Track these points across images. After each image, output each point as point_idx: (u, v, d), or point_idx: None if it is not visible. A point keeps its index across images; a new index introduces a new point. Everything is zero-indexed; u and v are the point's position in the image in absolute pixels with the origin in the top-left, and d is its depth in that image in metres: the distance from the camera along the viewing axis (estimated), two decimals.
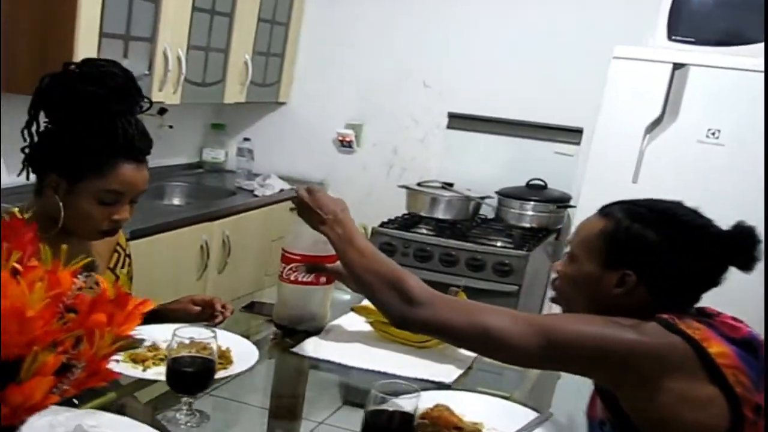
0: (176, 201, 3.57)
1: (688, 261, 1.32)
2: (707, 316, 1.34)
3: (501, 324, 1.31)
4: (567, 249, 1.45)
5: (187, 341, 1.38)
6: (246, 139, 4.05)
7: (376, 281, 1.47)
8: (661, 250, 1.31)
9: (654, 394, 1.22)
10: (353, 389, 1.83)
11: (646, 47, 2.90)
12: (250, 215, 3.33)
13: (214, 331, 1.43)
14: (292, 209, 1.79)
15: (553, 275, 1.48)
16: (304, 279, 1.90)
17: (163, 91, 3.07)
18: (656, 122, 2.78)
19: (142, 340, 1.33)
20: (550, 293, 1.50)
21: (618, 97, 2.87)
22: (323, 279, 1.91)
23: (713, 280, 1.34)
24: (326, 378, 1.87)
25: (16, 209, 1.46)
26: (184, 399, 1.43)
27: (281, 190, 3.61)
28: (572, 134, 3.49)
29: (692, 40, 2.81)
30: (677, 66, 2.76)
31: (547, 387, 1.87)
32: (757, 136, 2.63)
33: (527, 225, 3.36)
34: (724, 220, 2.75)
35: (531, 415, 1.57)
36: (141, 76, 2.86)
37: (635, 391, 1.25)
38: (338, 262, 1.89)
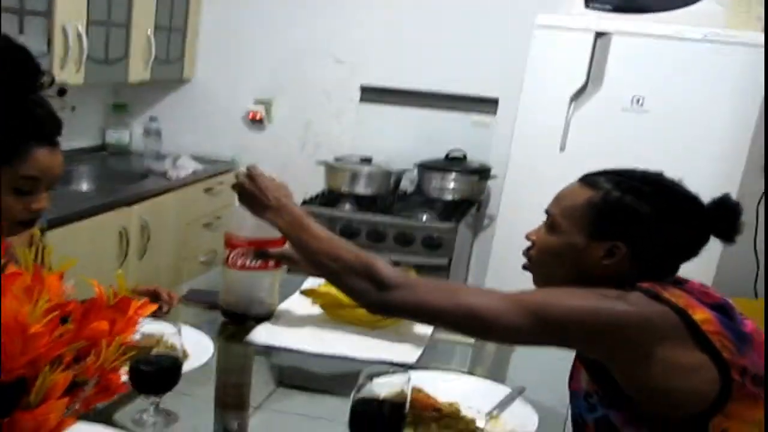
0: (84, 186, 3.39)
1: (677, 232, 1.33)
2: (678, 284, 1.35)
3: (487, 303, 1.29)
4: (546, 218, 1.43)
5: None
6: (152, 119, 3.88)
7: (341, 268, 1.42)
8: (653, 221, 1.31)
9: (646, 363, 1.23)
10: (287, 370, 1.80)
11: (569, 15, 2.92)
12: (165, 198, 3.20)
13: (177, 326, 1.35)
14: (233, 186, 1.68)
15: (528, 244, 1.46)
16: (251, 264, 1.83)
17: (65, 70, 2.88)
18: (581, 91, 2.81)
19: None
20: (523, 261, 1.48)
21: (542, 66, 2.89)
22: (271, 263, 1.84)
23: (695, 250, 1.35)
24: (276, 363, 1.81)
25: None
26: (151, 399, 1.34)
27: (194, 172, 3.48)
28: (488, 104, 3.50)
29: (608, 7, 2.85)
30: (599, 34, 2.80)
31: (504, 360, 1.87)
32: (680, 103, 2.71)
33: (449, 197, 3.35)
34: None
35: (502, 389, 1.56)
36: (40, 54, 2.68)
37: (628, 362, 1.25)
38: (286, 246, 1.82)
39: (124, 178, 3.36)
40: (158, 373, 1.31)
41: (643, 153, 2.71)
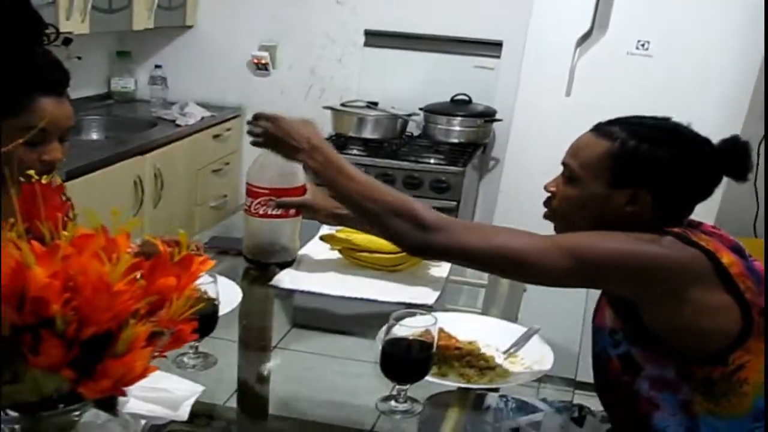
0: (94, 135, 3.44)
1: (693, 175, 1.38)
2: (695, 227, 1.42)
3: (527, 245, 1.33)
4: (563, 170, 1.48)
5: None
6: (157, 66, 3.90)
7: (381, 210, 1.41)
8: (671, 166, 1.36)
9: (678, 304, 1.30)
10: (306, 312, 1.90)
11: None
12: (176, 146, 3.25)
13: (213, 275, 1.42)
14: (250, 132, 1.64)
15: (547, 195, 1.51)
16: (273, 213, 1.89)
17: (71, 20, 2.90)
18: (586, 36, 2.84)
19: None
20: (545, 212, 1.52)
21: (547, 10, 2.91)
22: (292, 212, 1.91)
23: (710, 191, 1.41)
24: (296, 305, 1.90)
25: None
26: (190, 343, 1.42)
27: (202, 118, 3.52)
28: (492, 47, 3.52)
29: None
30: None
31: (516, 301, 1.95)
32: (685, 47, 2.73)
33: (455, 140, 3.40)
34: None
35: (517, 329, 1.65)
36: (45, 4, 2.70)
37: (660, 303, 1.32)
38: (307, 195, 1.89)
39: (133, 127, 3.41)
40: (198, 319, 1.39)
41: (647, 97, 2.76)
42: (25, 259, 0.73)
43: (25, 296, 0.73)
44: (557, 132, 2.95)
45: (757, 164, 3.02)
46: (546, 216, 1.52)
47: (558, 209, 1.48)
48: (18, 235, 0.77)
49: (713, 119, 2.52)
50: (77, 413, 0.82)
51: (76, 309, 0.74)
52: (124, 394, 0.75)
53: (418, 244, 1.40)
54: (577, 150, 1.45)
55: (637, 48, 2.79)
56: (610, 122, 1.43)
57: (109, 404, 0.79)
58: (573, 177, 1.43)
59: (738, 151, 1.39)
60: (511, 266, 1.36)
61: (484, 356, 1.52)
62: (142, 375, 0.75)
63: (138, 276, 0.82)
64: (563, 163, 1.47)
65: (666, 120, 1.44)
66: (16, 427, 0.80)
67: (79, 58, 3.22)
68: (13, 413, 0.78)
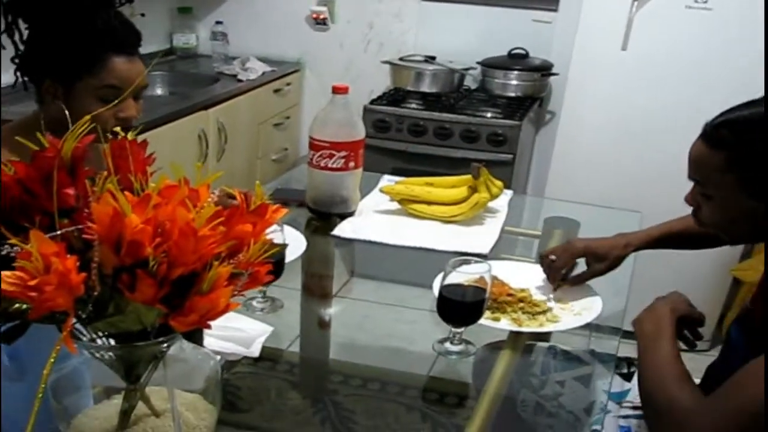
0: (159, 91, 3.55)
1: None
2: None
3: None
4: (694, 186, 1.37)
5: None
6: (218, 22, 3.98)
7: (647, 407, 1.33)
8: None
9: None
10: (364, 261, 1.99)
11: None
12: (238, 101, 3.34)
13: (280, 224, 1.51)
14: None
15: (692, 207, 1.40)
16: (333, 165, 1.98)
17: None
18: None
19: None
20: (695, 221, 1.41)
21: None
22: (352, 164, 1.99)
23: None
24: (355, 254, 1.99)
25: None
26: (259, 288, 1.52)
27: (263, 73, 3.60)
28: (549, 1, 3.51)
29: None
30: None
31: None
32: (744, 2, 2.69)
33: (512, 94, 3.42)
34: (714, 85, 2.87)
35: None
36: None
37: None
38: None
39: (196, 82, 3.50)
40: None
41: (704, 52, 2.76)
42: (122, 207, 0.82)
43: (122, 240, 0.82)
44: (613, 86, 2.97)
45: None
46: (700, 226, 1.41)
47: (712, 224, 1.37)
48: (114, 186, 0.86)
49: None
50: (166, 344, 0.92)
51: (166, 252, 0.83)
52: (209, 327, 0.85)
53: None
54: (697, 165, 1.32)
55: (696, 1, 2.75)
56: (717, 125, 1.29)
57: (196, 336, 0.89)
58: (706, 194, 1.33)
59: None
60: None
61: (535, 302, 1.59)
62: (225, 310, 0.84)
63: (218, 223, 0.90)
64: (690, 178, 1.36)
65: (756, 104, 1.28)
66: (114, 354, 0.91)
67: (143, 14, 3.32)
68: (112, 342, 0.89)
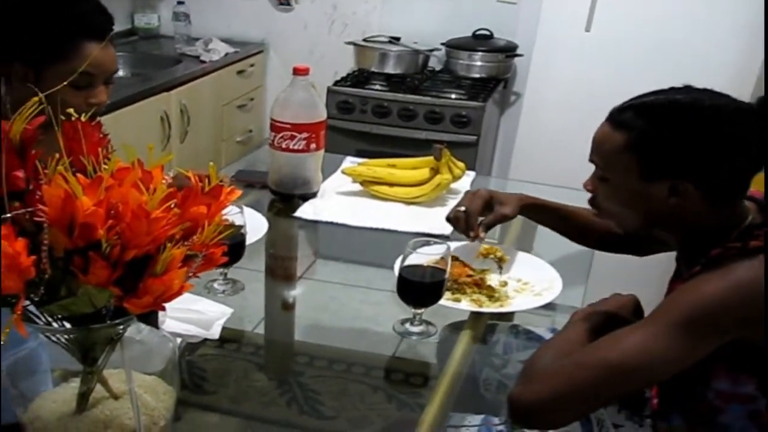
0: (120, 72, 3.49)
1: (735, 150, 1.20)
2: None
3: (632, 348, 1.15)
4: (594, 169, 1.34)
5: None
6: (180, 2, 3.92)
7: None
8: (703, 149, 1.20)
9: None
10: (327, 242, 1.99)
11: None
12: (201, 82, 3.31)
13: (240, 206, 1.50)
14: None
15: (589, 194, 1.38)
16: (295, 147, 1.97)
17: None
18: None
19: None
20: (594, 212, 1.40)
21: None
22: (314, 145, 1.99)
23: (763, 158, 1.21)
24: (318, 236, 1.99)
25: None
26: (220, 270, 1.52)
27: (226, 54, 3.57)
28: None
29: None
30: None
31: (530, 233, 2.01)
32: None
33: (476, 75, 3.42)
34: (676, 66, 2.89)
35: (529, 258, 1.73)
36: None
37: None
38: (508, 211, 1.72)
39: (158, 63, 3.46)
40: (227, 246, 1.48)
41: (667, 34, 2.78)
42: (73, 189, 0.81)
43: (74, 223, 0.81)
44: (577, 67, 2.99)
45: None
46: (597, 216, 1.40)
47: (605, 210, 1.35)
48: (65, 168, 0.86)
49: (734, 50, 2.51)
50: (122, 326, 0.92)
51: (119, 234, 0.82)
52: (163, 309, 0.84)
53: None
54: (598, 146, 1.31)
55: None
56: (623, 108, 1.28)
57: (150, 318, 0.88)
58: (603, 176, 1.31)
59: None
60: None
61: (493, 288, 1.60)
62: (179, 292, 0.84)
63: (172, 205, 0.90)
64: (591, 161, 1.34)
65: (684, 90, 1.26)
66: (69, 337, 0.90)
67: None
68: (67, 325, 0.88)
